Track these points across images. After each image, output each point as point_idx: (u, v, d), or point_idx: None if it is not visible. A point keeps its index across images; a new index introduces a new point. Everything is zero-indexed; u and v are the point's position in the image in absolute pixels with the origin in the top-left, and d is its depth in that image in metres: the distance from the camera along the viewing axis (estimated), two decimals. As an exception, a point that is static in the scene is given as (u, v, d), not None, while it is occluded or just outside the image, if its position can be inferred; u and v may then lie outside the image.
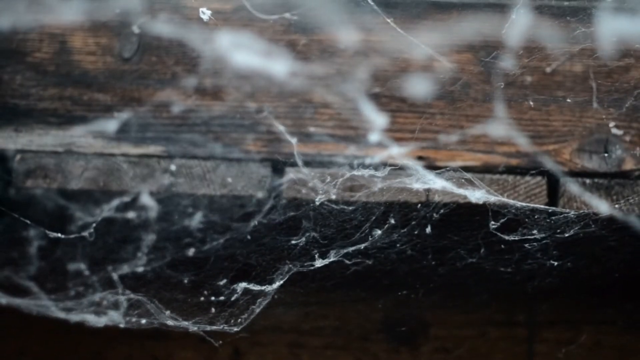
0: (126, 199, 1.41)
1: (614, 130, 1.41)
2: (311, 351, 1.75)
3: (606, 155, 1.41)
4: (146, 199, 1.41)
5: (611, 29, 1.40)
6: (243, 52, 1.42)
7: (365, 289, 1.71)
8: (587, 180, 1.41)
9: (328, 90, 1.42)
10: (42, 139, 1.44)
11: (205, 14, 1.43)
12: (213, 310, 1.54)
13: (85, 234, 1.42)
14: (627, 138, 1.41)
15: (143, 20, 1.45)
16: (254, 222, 1.45)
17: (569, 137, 1.42)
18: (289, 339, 1.75)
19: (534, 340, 1.73)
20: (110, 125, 1.44)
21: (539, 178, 1.42)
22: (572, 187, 1.40)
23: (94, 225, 1.42)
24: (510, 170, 1.42)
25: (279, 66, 1.42)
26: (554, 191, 1.41)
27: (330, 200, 1.41)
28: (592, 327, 1.72)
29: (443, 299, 1.72)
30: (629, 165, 1.41)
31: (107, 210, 1.41)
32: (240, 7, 1.45)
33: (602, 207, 1.38)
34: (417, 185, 1.40)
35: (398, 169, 1.41)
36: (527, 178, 1.42)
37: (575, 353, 1.72)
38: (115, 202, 1.41)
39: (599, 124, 1.42)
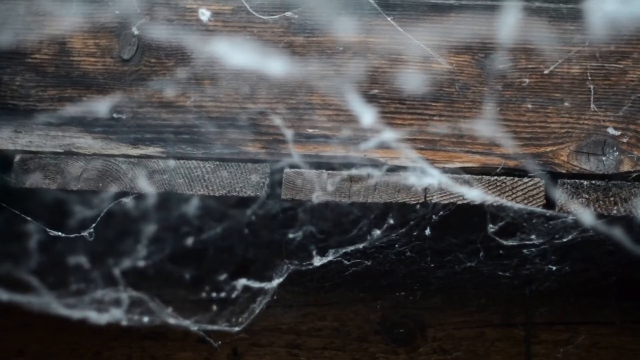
0: (125, 199, 1.41)
1: (612, 132, 1.41)
2: (309, 352, 1.75)
3: (603, 157, 1.41)
4: (145, 199, 1.41)
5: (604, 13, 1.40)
6: (242, 54, 1.42)
7: (363, 289, 1.71)
8: (585, 182, 1.41)
9: (326, 91, 1.43)
10: (42, 140, 1.44)
11: (204, 14, 1.44)
12: (214, 307, 1.53)
13: (85, 233, 1.42)
14: (625, 140, 1.41)
15: (142, 22, 1.45)
16: (252, 223, 1.45)
17: (566, 139, 1.42)
18: (287, 339, 1.75)
19: (532, 342, 1.73)
20: (110, 126, 1.44)
21: (536, 180, 1.41)
22: (570, 188, 1.40)
23: (94, 225, 1.42)
24: (508, 171, 1.42)
25: (277, 67, 1.42)
26: (551, 195, 1.41)
27: (328, 201, 1.41)
28: (590, 328, 1.72)
29: (441, 300, 1.72)
30: (626, 167, 1.41)
31: (106, 210, 1.41)
32: (240, 8, 1.46)
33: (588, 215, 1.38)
34: (415, 186, 1.40)
35: (396, 170, 1.41)
36: (525, 180, 1.41)
37: (572, 354, 1.72)
38: (114, 203, 1.42)
39: (596, 125, 1.42)
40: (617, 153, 1.41)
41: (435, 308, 1.73)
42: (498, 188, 1.41)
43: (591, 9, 1.42)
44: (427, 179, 1.40)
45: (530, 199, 1.40)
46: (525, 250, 1.47)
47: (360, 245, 1.47)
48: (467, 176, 1.41)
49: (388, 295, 1.71)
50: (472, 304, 1.72)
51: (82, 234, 1.42)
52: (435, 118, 1.43)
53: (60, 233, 1.43)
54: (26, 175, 1.42)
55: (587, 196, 1.40)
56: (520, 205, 1.39)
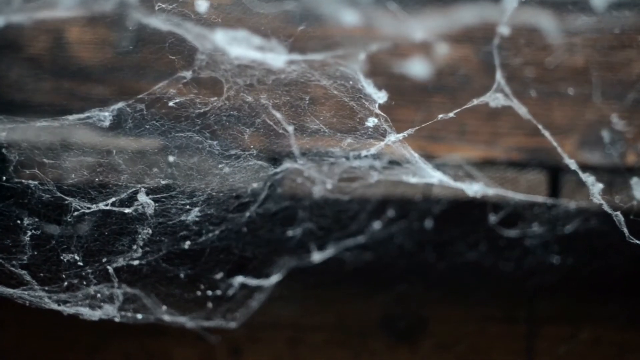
0: (123, 194, 1.41)
1: (616, 124, 1.41)
2: (310, 347, 1.74)
3: (607, 149, 1.41)
4: (142, 196, 1.40)
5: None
6: (241, 46, 1.41)
7: (364, 284, 1.71)
8: (588, 175, 1.40)
9: (327, 82, 1.41)
10: (38, 134, 1.43)
11: (202, 6, 1.42)
12: (210, 305, 1.53)
13: (83, 229, 1.41)
14: (629, 132, 1.41)
15: (141, 13, 1.44)
16: (251, 215, 1.44)
17: (570, 131, 1.42)
18: (287, 335, 1.74)
19: (534, 337, 1.73)
20: (107, 119, 1.43)
21: (539, 172, 1.41)
22: (573, 181, 1.40)
23: (91, 221, 1.42)
24: (510, 164, 1.42)
25: (277, 60, 1.41)
26: (554, 185, 1.41)
27: (328, 196, 1.41)
28: (593, 324, 1.72)
29: (442, 294, 1.72)
30: (630, 159, 1.40)
31: (103, 204, 1.41)
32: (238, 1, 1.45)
33: (590, 179, 1.36)
34: (416, 179, 1.40)
35: (396, 165, 1.41)
36: (528, 172, 1.41)
37: (575, 349, 1.72)
38: (111, 197, 1.41)
39: (600, 117, 1.41)
40: (622, 145, 1.40)
41: (437, 302, 1.73)
42: (500, 180, 1.40)
43: (596, -2, 1.41)
44: (428, 175, 1.39)
45: (533, 191, 1.40)
46: (527, 240, 1.47)
47: (360, 239, 1.47)
48: (468, 170, 1.40)
49: (389, 289, 1.71)
50: (474, 298, 1.71)
51: (79, 229, 1.42)
52: (437, 109, 1.42)
53: (57, 227, 1.42)
54: (21, 169, 1.41)
55: (591, 189, 1.40)
56: (522, 196, 1.38)
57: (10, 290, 1.42)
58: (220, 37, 1.32)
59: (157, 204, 1.40)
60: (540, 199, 1.38)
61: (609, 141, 1.41)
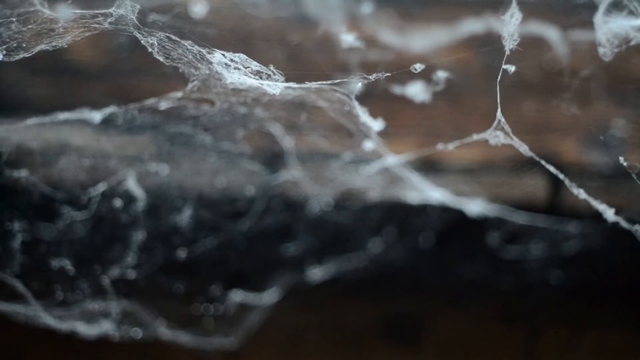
0: (118, 196, 1.41)
1: (616, 128, 1.41)
2: (311, 350, 1.75)
3: (607, 153, 1.40)
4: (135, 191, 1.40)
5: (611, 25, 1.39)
6: (239, 50, 1.40)
7: (364, 289, 1.71)
8: (587, 179, 1.40)
9: (323, 92, 1.41)
10: (33, 134, 1.43)
11: (198, 11, 1.42)
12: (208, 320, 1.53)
13: (80, 228, 1.41)
14: (629, 136, 1.40)
15: (136, 17, 1.43)
16: (247, 224, 1.44)
17: (569, 135, 1.41)
18: (287, 338, 1.75)
19: (536, 342, 1.73)
20: (102, 120, 1.43)
21: (539, 176, 1.41)
22: (573, 184, 1.40)
23: (85, 221, 1.42)
24: (510, 168, 1.42)
25: (275, 87, 1.40)
26: (554, 189, 1.41)
27: (327, 213, 1.41)
28: (595, 329, 1.72)
29: (443, 299, 1.72)
30: (630, 162, 1.40)
31: (96, 204, 1.41)
32: (234, 4, 1.44)
33: (602, 206, 1.36)
34: (414, 192, 1.40)
35: (394, 174, 1.41)
36: (527, 176, 1.41)
37: (577, 354, 1.72)
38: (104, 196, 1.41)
39: (600, 121, 1.41)
40: (621, 149, 1.40)
41: (437, 307, 1.73)
42: (499, 185, 1.41)
43: (600, 1, 1.40)
44: (427, 191, 1.39)
45: (533, 195, 1.40)
46: (527, 253, 1.47)
47: (359, 255, 1.47)
48: (466, 188, 1.40)
49: (389, 294, 1.71)
50: (475, 304, 1.71)
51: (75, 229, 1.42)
52: (435, 115, 1.42)
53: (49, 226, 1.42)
54: (15, 169, 1.41)
55: (589, 193, 1.39)
56: (522, 215, 1.38)
57: (5, 305, 1.42)
58: (218, 59, 1.31)
59: (148, 195, 1.40)
60: (542, 218, 1.39)
61: (609, 144, 1.40)
